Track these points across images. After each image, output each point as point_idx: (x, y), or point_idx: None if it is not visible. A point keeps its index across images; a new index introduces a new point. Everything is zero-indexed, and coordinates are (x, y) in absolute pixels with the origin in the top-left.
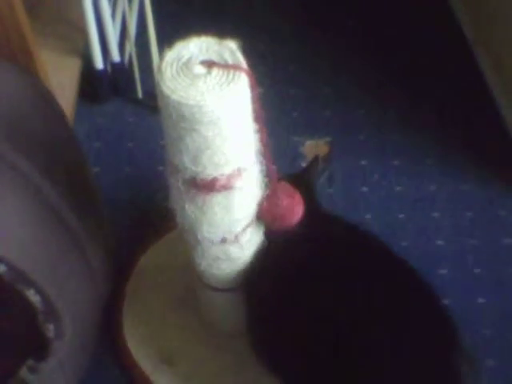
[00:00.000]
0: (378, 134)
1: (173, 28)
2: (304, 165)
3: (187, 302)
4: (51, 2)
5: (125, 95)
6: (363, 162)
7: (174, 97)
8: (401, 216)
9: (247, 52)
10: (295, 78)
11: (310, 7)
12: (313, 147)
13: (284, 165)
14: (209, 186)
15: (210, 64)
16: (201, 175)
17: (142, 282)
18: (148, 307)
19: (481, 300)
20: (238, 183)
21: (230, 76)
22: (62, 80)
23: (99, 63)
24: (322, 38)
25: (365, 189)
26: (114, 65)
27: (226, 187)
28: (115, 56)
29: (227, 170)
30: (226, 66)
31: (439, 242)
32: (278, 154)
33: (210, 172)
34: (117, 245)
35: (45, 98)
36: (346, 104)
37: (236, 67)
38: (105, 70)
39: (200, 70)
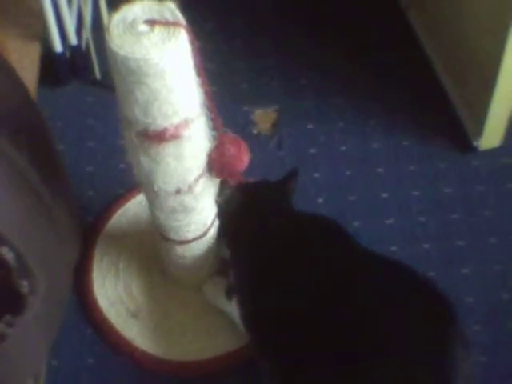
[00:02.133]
0: (322, 100)
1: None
2: (255, 132)
3: (151, 262)
4: None
5: (83, 77)
6: (310, 126)
7: (122, 52)
8: (347, 173)
9: (196, 30)
10: (242, 52)
11: None
12: (262, 115)
13: (236, 132)
14: (160, 136)
15: (152, 22)
16: (152, 126)
17: (108, 246)
18: (115, 268)
19: (425, 246)
20: (186, 133)
21: (171, 32)
22: (23, 65)
23: (58, 47)
24: (265, 14)
25: (313, 150)
26: (72, 48)
27: (176, 136)
28: (73, 39)
29: (175, 120)
30: (166, 23)
31: (384, 195)
32: (230, 122)
33: (159, 122)
34: (83, 213)
35: (7, 72)
36: (291, 74)
37: (175, 24)
38: (63, 54)
39: (144, 28)
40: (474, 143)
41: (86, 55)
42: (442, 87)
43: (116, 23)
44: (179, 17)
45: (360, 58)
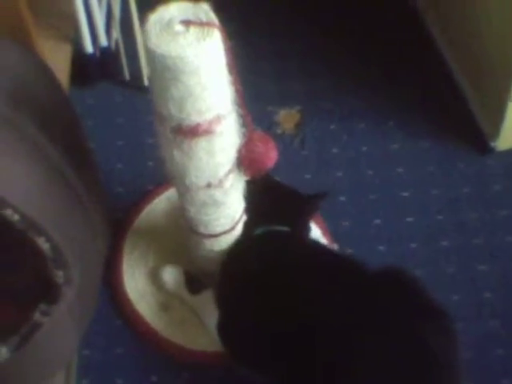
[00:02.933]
0: (344, 102)
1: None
2: (279, 132)
3: (179, 255)
4: None
5: (113, 77)
6: (332, 126)
7: (159, 51)
8: (369, 172)
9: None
10: (266, 53)
11: None
12: (286, 115)
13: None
14: (193, 132)
15: (187, 23)
16: (185, 122)
17: (137, 241)
18: (144, 262)
19: (444, 243)
20: (218, 128)
21: (205, 32)
22: (55, 65)
23: (89, 48)
24: (292, 15)
25: (335, 150)
26: (102, 49)
27: (208, 132)
28: (103, 41)
29: (208, 116)
30: (201, 24)
31: (404, 194)
32: (255, 122)
33: (193, 118)
34: (113, 208)
35: (45, 71)
36: (314, 76)
37: (210, 24)
38: (94, 55)
39: (179, 28)
40: (491, 144)
41: (115, 56)
42: (459, 89)
43: (153, 23)
44: (213, 17)
45: (380, 62)
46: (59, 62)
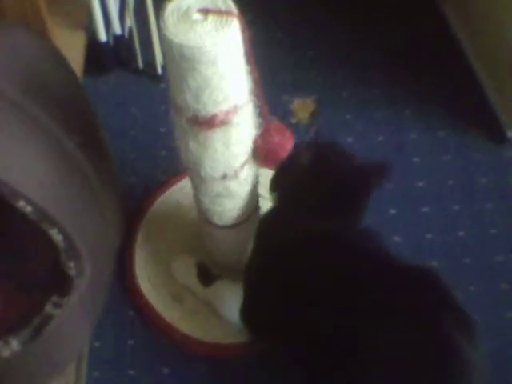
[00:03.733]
0: (359, 91)
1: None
2: (294, 121)
3: (192, 246)
4: None
5: (127, 66)
6: (348, 116)
7: (177, 40)
8: None
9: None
10: (282, 43)
11: None
12: (301, 105)
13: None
14: (209, 123)
15: (205, 11)
16: (202, 112)
17: (150, 231)
18: (157, 253)
19: (460, 234)
20: (234, 119)
21: (224, 21)
22: (69, 53)
23: (102, 36)
24: (310, 5)
25: (350, 139)
26: (115, 37)
27: (225, 123)
28: (117, 29)
29: (225, 107)
30: (219, 12)
31: (420, 184)
32: (270, 112)
33: (209, 109)
34: (126, 198)
35: (59, 60)
36: (329, 65)
37: (228, 13)
38: (107, 43)
39: (197, 16)
40: (509, 134)
41: (129, 44)
42: (477, 79)
43: (170, 12)
44: (231, 6)
45: (397, 51)
46: (73, 49)
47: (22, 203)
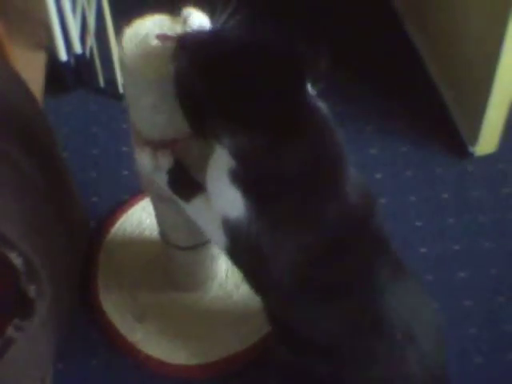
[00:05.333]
0: None
1: (129, 21)
2: None
3: (155, 266)
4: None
5: (88, 85)
6: None
7: (135, 66)
8: None
9: None
10: None
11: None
12: None
13: None
14: (166, 147)
15: (164, 37)
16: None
17: (113, 250)
18: (120, 272)
19: (422, 250)
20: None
21: None
22: (29, 72)
23: (63, 55)
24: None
25: None
26: (76, 56)
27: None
28: (77, 48)
29: (180, 134)
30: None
31: (383, 201)
32: None
33: (166, 134)
34: (87, 218)
35: (16, 81)
36: None
37: None
38: (68, 62)
39: (155, 43)
40: (470, 149)
41: (90, 63)
42: (438, 94)
43: (129, 37)
44: None
45: (356, 68)
46: (33, 69)
47: None
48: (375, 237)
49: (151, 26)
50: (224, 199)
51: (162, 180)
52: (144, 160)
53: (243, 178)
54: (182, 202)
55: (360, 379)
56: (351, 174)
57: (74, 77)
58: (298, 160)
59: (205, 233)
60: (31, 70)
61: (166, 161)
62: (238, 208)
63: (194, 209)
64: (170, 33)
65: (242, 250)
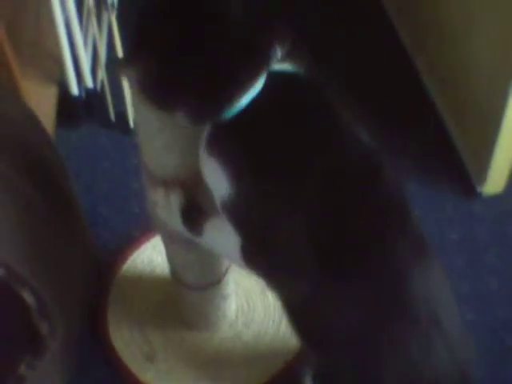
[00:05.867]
0: None
1: None
2: None
3: (166, 304)
4: (28, 33)
5: (99, 119)
6: None
7: (147, 106)
8: None
9: None
10: None
11: None
12: None
13: None
14: (177, 185)
15: None
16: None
17: (123, 287)
18: (130, 310)
19: None
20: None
21: None
22: (41, 106)
23: (74, 90)
24: None
25: None
26: (87, 91)
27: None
28: (88, 83)
29: (192, 173)
30: None
31: None
32: None
33: (178, 173)
34: (98, 255)
35: (28, 115)
36: None
37: None
38: (80, 96)
39: None
40: (478, 189)
41: (100, 97)
42: (447, 133)
43: None
44: None
45: (367, 103)
46: (45, 102)
47: None
48: (387, 204)
49: None
50: (211, 179)
51: (174, 219)
52: (157, 200)
53: (218, 149)
54: (195, 237)
55: (386, 372)
56: (353, 130)
57: (84, 110)
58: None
59: (224, 256)
60: (43, 103)
61: (178, 200)
62: (224, 185)
63: (207, 237)
64: None
65: (253, 245)
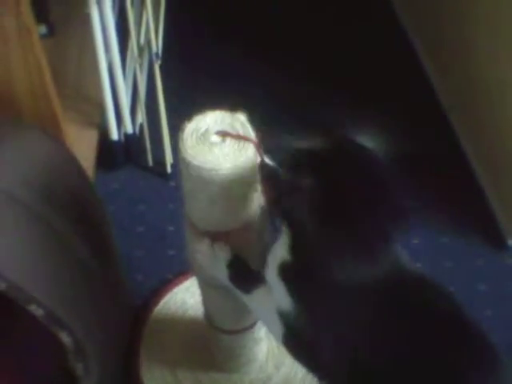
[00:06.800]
0: None
1: (178, 103)
2: None
3: (197, 346)
4: (71, 78)
5: (137, 163)
6: None
7: (195, 162)
8: None
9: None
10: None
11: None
12: None
13: None
14: (221, 238)
15: (224, 134)
16: (214, 229)
17: (156, 329)
18: (162, 351)
19: None
20: (246, 235)
21: (241, 144)
22: (81, 149)
23: (114, 135)
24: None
25: None
26: (127, 136)
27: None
28: (128, 128)
29: (237, 225)
30: (237, 137)
31: None
32: None
33: (222, 227)
34: (132, 297)
35: (70, 160)
36: None
37: (246, 138)
38: (119, 141)
39: (215, 139)
40: (509, 242)
41: (139, 141)
42: (479, 186)
43: (189, 132)
44: (249, 130)
45: (400, 157)
46: (86, 146)
47: (33, 307)
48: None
49: (211, 122)
50: (276, 291)
51: (221, 273)
52: (201, 249)
53: (291, 276)
54: (241, 294)
55: None
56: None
57: (123, 155)
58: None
59: (263, 323)
60: (83, 147)
61: (223, 253)
62: (285, 302)
63: (254, 300)
64: (229, 130)
65: (295, 344)
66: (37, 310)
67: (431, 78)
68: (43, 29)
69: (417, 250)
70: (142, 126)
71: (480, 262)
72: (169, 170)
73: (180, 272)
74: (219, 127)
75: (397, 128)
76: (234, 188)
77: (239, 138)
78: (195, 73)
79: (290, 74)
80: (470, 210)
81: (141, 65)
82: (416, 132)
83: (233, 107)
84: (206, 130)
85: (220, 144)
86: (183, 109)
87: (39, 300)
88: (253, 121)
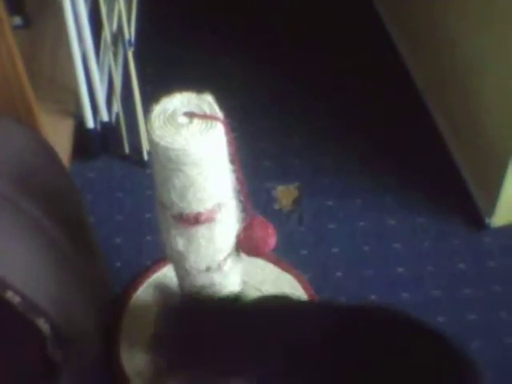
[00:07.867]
0: (341, 178)
1: (153, 89)
2: (277, 208)
3: None
4: (45, 68)
5: (113, 151)
6: (329, 203)
7: (163, 143)
8: (365, 248)
9: (221, 107)
10: (265, 130)
11: (283, 65)
12: (284, 191)
13: (259, 208)
14: (194, 220)
15: (191, 115)
16: (186, 210)
17: (136, 315)
18: (143, 338)
19: (439, 319)
20: (218, 216)
21: (209, 124)
22: (57, 139)
23: (90, 123)
24: (288, 91)
25: (332, 226)
26: (103, 124)
27: (209, 220)
28: (104, 116)
29: (209, 205)
30: (204, 116)
31: (400, 270)
32: (252, 198)
33: (194, 207)
34: (111, 283)
35: (47, 150)
36: (313, 152)
37: (213, 117)
38: (95, 129)
39: (183, 120)
40: (487, 220)
41: (115, 130)
42: (455, 166)
43: (157, 114)
44: (216, 110)
45: (375, 136)
46: (61, 136)
47: (9, 294)
48: None
49: (179, 104)
50: None
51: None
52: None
53: None
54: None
55: None
56: None
57: (99, 143)
58: None
59: None
60: (59, 137)
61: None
62: None
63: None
64: (196, 110)
65: None
66: (13, 298)
67: (405, 58)
68: (18, 20)
69: (394, 230)
70: (118, 114)
71: (458, 241)
72: (145, 157)
73: (159, 257)
74: (186, 108)
75: (371, 110)
76: (204, 167)
77: (206, 117)
78: (171, 60)
79: (268, 57)
80: (447, 189)
81: (115, 53)
82: (390, 112)
83: (211, 93)
84: (174, 112)
85: (187, 125)
86: (159, 96)
87: (15, 286)
88: (225, 103)
